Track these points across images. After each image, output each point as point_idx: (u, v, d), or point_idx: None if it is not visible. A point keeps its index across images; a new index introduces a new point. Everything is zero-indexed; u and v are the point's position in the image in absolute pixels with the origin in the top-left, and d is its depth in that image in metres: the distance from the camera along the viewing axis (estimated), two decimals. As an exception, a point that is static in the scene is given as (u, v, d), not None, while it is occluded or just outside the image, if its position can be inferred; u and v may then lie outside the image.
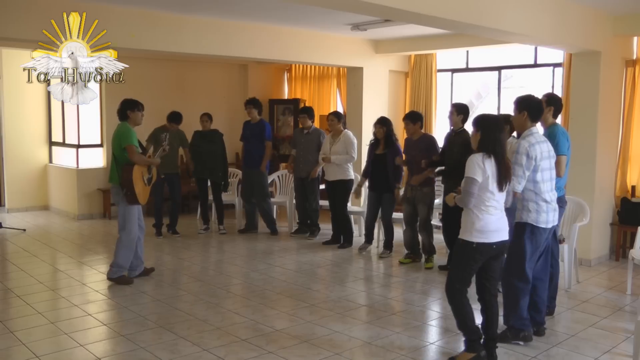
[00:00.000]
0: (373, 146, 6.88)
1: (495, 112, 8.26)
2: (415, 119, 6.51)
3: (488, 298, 3.93)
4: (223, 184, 8.09)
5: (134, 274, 5.88)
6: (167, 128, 7.74)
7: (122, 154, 5.64)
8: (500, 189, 3.76)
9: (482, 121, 3.86)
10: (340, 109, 9.74)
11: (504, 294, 4.43)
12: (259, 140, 7.92)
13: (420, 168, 6.33)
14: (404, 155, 6.63)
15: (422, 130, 6.62)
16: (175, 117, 7.86)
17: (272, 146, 8.22)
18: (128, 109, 5.74)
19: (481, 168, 3.71)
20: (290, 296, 5.45)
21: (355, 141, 7.29)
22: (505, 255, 4.40)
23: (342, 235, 7.45)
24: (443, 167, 6.22)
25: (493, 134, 3.76)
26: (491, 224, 3.75)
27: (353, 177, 7.39)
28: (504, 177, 3.76)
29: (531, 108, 4.26)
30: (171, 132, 7.67)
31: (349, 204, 7.58)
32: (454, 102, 6.45)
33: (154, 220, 7.98)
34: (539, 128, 4.41)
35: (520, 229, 4.25)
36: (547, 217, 4.24)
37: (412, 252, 6.72)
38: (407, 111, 9.39)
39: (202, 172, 8.01)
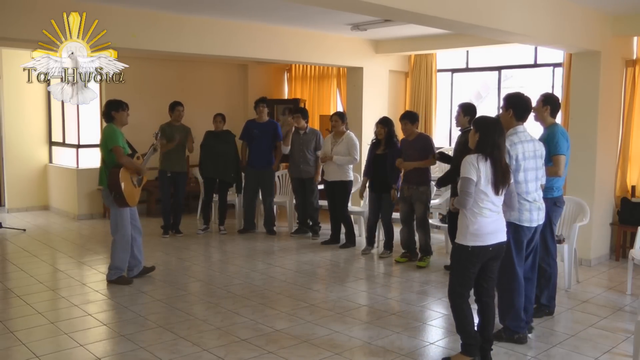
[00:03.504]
0: (374, 146, 6.87)
1: (495, 112, 8.28)
2: (414, 119, 6.55)
3: (485, 300, 3.93)
4: (237, 185, 8.11)
5: (132, 274, 5.88)
6: (173, 124, 7.73)
7: (109, 157, 5.61)
8: (497, 192, 3.73)
9: (482, 123, 3.84)
10: (340, 109, 9.74)
11: (498, 295, 4.40)
12: (269, 140, 7.93)
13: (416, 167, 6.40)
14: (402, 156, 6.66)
15: (419, 130, 6.65)
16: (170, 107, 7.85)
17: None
18: (112, 110, 5.70)
19: (475, 168, 3.68)
20: (290, 296, 5.45)
21: (357, 143, 7.28)
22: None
23: (344, 236, 7.44)
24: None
25: (492, 137, 3.73)
26: (486, 226, 3.73)
27: (352, 177, 7.39)
28: (500, 180, 3.72)
29: (517, 107, 4.20)
30: (178, 129, 7.67)
31: (349, 204, 7.57)
32: (460, 102, 6.45)
33: (163, 221, 7.97)
34: (536, 127, 4.41)
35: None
36: (531, 215, 4.21)
37: (408, 251, 6.73)
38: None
39: (213, 172, 8.01)
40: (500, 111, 4.40)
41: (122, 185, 5.52)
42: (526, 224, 4.22)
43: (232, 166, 7.97)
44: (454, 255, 3.92)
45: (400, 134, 6.78)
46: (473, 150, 3.80)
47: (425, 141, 6.54)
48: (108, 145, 5.59)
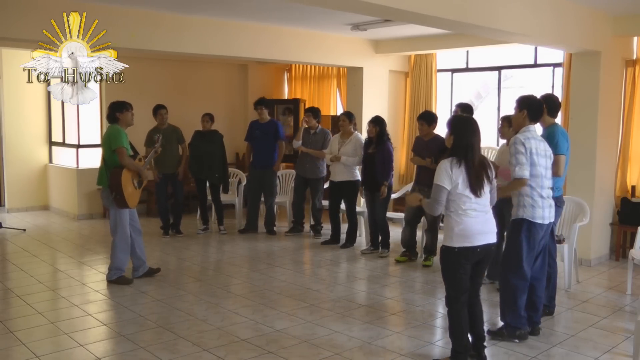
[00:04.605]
0: (366, 145, 6.89)
1: (495, 112, 8.29)
2: (431, 120, 6.51)
3: (472, 300, 3.89)
4: (223, 186, 8.10)
5: (138, 274, 5.88)
6: (159, 128, 7.70)
7: (111, 157, 5.61)
8: (475, 194, 3.65)
9: (456, 124, 3.79)
10: (340, 109, 9.74)
11: (501, 292, 4.44)
12: (270, 140, 7.92)
13: (428, 168, 6.38)
14: (404, 156, 6.65)
15: (434, 132, 6.59)
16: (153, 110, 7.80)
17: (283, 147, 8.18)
18: (117, 111, 5.70)
19: (449, 175, 3.62)
20: (290, 296, 5.45)
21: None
22: (503, 253, 4.41)
23: (346, 235, 7.42)
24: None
25: (465, 139, 3.67)
26: (472, 226, 3.66)
27: (359, 177, 7.37)
28: (476, 182, 3.64)
29: (531, 107, 4.29)
30: (165, 131, 7.64)
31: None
32: (458, 102, 6.50)
33: (161, 222, 7.95)
34: (537, 128, 4.43)
35: (517, 226, 4.27)
36: (543, 212, 4.24)
37: (408, 250, 6.73)
38: (407, 111, 9.46)
39: (200, 172, 8.00)
40: (514, 112, 4.42)
41: (123, 186, 5.53)
42: (539, 221, 4.24)
43: (217, 166, 7.94)
44: (442, 258, 3.84)
45: (398, 132, 6.78)
46: (448, 152, 3.75)
47: (440, 144, 6.36)
48: (112, 145, 5.60)
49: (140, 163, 5.82)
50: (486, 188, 3.73)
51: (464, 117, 3.94)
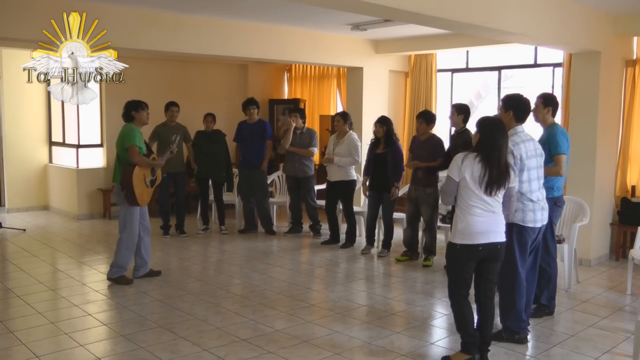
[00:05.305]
0: (373, 145, 6.88)
1: (495, 112, 8.28)
2: (429, 120, 6.52)
3: (483, 300, 3.91)
4: (227, 184, 8.10)
5: (138, 274, 5.88)
6: (167, 125, 7.69)
7: (125, 154, 5.65)
8: (488, 193, 3.67)
9: (484, 123, 3.82)
10: (340, 109, 9.74)
11: (499, 296, 4.41)
12: (259, 140, 7.92)
13: (425, 167, 6.37)
14: (405, 156, 6.64)
15: (431, 131, 6.59)
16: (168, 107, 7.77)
17: (272, 146, 8.21)
18: (132, 110, 5.74)
19: (458, 166, 3.69)
20: (290, 296, 5.45)
21: (359, 144, 7.25)
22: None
23: (346, 234, 7.42)
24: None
25: (492, 138, 3.70)
26: (474, 225, 3.69)
27: (355, 177, 7.39)
28: (495, 181, 3.66)
29: (517, 108, 4.19)
30: (173, 129, 7.61)
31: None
32: (454, 102, 6.51)
33: (161, 221, 7.93)
34: (528, 127, 4.39)
35: (508, 230, 4.22)
36: (535, 216, 4.20)
37: (409, 250, 6.73)
38: (407, 111, 9.45)
39: (204, 172, 7.99)
40: (499, 112, 4.38)
41: (135, 184, 5.55)
42: (530, 225, 4.20)
43: (224, 165, 7.94)
44: (447, 253, 3.95)
45: (400, 132, 6.78)
46: (472, 149, 3.80)
47: (436, 143, 6.46)
48: (125, 143, 5.63)
49: (154, 162, 5.84)
50: (500, 192, 3.74)
51: (493, 118, 3.95)
